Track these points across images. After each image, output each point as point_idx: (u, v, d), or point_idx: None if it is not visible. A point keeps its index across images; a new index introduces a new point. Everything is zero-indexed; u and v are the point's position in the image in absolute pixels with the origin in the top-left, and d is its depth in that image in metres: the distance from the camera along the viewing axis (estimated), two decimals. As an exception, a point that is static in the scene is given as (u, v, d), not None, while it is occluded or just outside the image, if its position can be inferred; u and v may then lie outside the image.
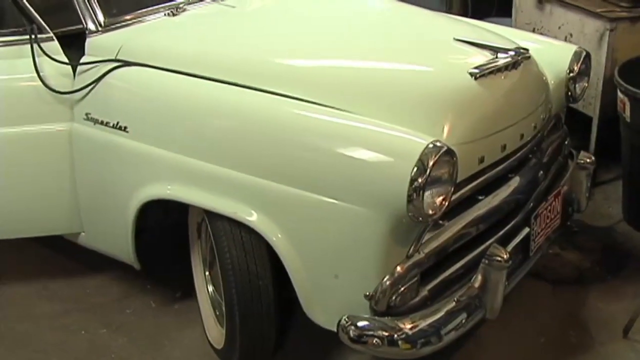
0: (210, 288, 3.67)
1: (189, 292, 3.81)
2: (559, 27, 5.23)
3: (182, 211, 3.53)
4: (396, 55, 3.45)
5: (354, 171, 2.90)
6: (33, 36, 3.55)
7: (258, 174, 3.06)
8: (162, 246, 3.94)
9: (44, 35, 3.58)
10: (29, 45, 3.55)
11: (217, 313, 3.62)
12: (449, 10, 6.80)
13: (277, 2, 4.14)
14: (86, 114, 3.52)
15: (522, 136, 3.41)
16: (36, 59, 3.53)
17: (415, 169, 2.76)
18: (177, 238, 3.76)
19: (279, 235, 3.04)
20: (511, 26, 5.27)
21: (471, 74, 3.21)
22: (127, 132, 3.40)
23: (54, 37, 3.60)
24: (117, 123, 3.42)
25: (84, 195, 3.68)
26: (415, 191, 2.77)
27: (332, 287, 3.02)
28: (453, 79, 3.24)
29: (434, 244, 3.03)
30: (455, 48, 3.47)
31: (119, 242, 3.59)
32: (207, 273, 3.68)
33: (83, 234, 3.81)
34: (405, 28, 3.90)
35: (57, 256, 4.32)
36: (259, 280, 3.19)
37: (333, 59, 3.43)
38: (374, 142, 2.93)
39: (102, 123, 3.47)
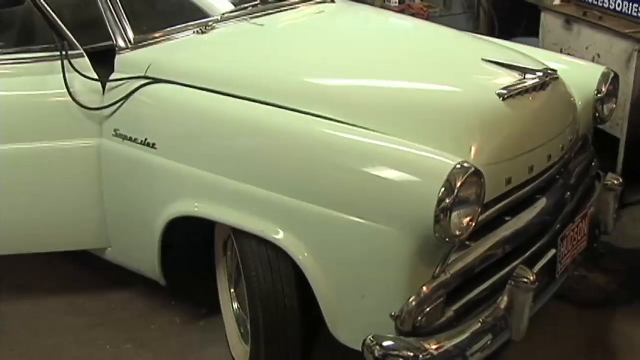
0: (236, 305, 3.67)
1: (214, 309, 3.80)
2: (587, 48, 5.22)
3: (209, 228, 3.54)
4: (424, 75, 3.47)
5: (381, 191, 2.90)
6: (64, 53, 3.59)
7: (285, 192, 3.07)
8: (187, 262, 3.94)
9: (74, 52, 3.62)
10: (59, 62, 3.59)
11: (242, 331, 3.62)
12: (475, 30, 6.82)
13: (306, 21, 4.17)
14: (115, 130, 3.55)
15: (549, 157, 3.40)
16: (66, 75, 3.57)
17: (443, 189, 2.76)
18: (203, 254, 3.76)
19: (306, 254, 3.05)
20: (538, 46, 5.27)
21: (499, 95, 3.21)
22: (155, 148, 3.42)
23: (84, 54, 3.63)
24: (146, 140, 3.44)
25: (111, 211, 3.70)
26: (443, 212, 2.77)
27: (358, 307, 3.01)
28: (481, 99, 3.24)
29: (461, 265, 3.02)
30: (484, 68, 3.48)
31: (146, 258, 3.61)
32: (232, 290, 3.68)
33: (110, 249, 3.84)
34: (434, 48, 3.91)
35: (83, 271, 4.33)
36: (284, 298, 3.19)
37: (361, 78, 3.45)
38: (402, 161, 2.93)
39: (130, 139, 3.50)
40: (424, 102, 3.24)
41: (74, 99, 3.56)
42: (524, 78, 3.36)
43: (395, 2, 6.89)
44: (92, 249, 3.93)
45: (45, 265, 4.38)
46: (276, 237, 3.09)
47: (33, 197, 3.76)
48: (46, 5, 3.64)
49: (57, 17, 3.65)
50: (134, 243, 3.70)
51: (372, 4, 6.33)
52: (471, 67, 3.55)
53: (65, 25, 3.64)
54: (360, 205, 2.92)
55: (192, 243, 3.68)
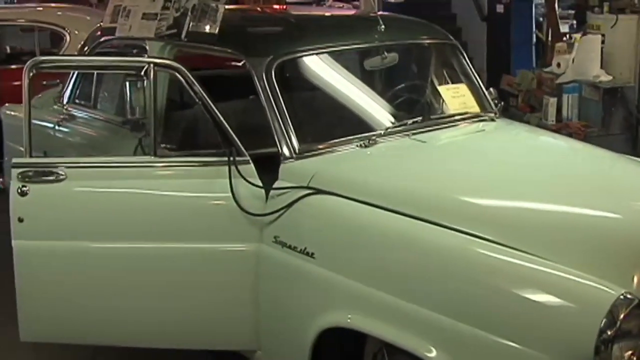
0: (382, 418, 3.64)
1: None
2: None
3: (360, 339, 3.54)
4: (585, 200, 3.44)
5: (536, 316, 2.86)
6: (231, 158, 3.73)
7: (439, 310, 3.06)
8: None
9: (240, 158, 3.76)
10: (225, 166, 3.73)
11: None
12: (633, 151, 6.70)
13: (466, 139, 4.23)
14: (275, 237, 3.64)
15: None
16: (232, 180, 3.70)
17: (605, 320, 2.71)
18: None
19: (457, 374, 3.02)
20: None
21: (663, 224, 3.16)
22: (313, 258, 3.48)
23: (250, 161, 3.77)
24: (305, 249, 3.51)
25: (265, 315, 3.76)
26: (604, 343, 2.71)
27: None
28: (645, 227, 3.19)
29: (618, 399, 2.93)
30: (646, 195, 3.43)
31: (295, 364, 3.64)
32: (382, 402, 3.66)
33: (259, 352, 3.88)
34: (594, 171, 3.91)
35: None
36: (434, 417, 3.15)
37: (519, 199, 3.45)
38: (560, 288, 2.89)
39: (290, 247, 3.57)
40: (584, 227, 3.22)
41: (238, 204, 3.68)
42: (690, 206, 3.30)
43: (552, 121, 6.88)
44: (241, 350, 3.99)
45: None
46: (429, 355, 3.07)
47: (189, 295, 3.86)
48: (217, 112, 3.82)
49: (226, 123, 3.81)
50: (285, 348, 3.74)
51: (528, 122, 6.33)
52: (633, 193, 3.53)
53: (233, 131, 3.79)
54: (515, 329, 2.89)
55: (342, 352, 3.68)
